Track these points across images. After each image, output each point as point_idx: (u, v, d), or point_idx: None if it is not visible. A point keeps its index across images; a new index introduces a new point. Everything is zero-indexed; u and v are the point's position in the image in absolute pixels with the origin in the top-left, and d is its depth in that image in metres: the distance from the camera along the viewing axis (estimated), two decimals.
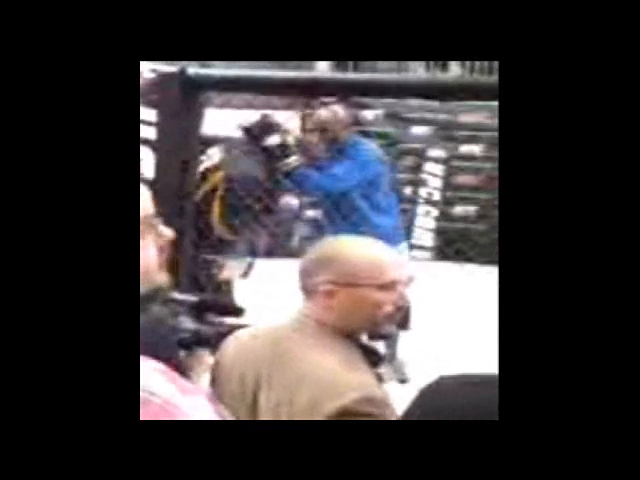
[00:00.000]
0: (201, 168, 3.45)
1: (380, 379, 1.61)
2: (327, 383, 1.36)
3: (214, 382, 1.57)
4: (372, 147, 4.34)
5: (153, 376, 1.11)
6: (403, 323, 1.77)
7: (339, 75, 5.83)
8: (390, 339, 1.79)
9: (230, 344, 1.56)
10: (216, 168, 3.46)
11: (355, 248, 1.53)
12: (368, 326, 1.56)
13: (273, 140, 3.63)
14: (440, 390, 1.18)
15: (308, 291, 1.53)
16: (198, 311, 1.79)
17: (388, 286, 1.50)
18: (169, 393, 1.07)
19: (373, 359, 1.56)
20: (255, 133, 3.61)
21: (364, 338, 1.60)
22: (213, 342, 1.55)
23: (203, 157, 3.52)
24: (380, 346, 1.74)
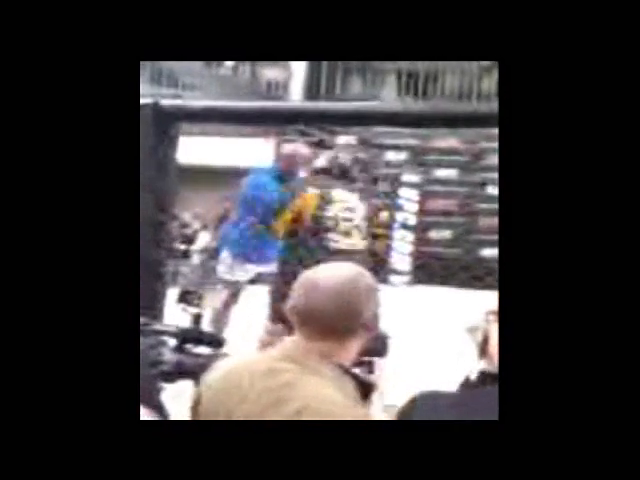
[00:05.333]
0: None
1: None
2: (335, 416, 1.34)
3: (196, 412, 1.54)
4: None
5: None
6: (381, 350, 1.75)
7: (310, 104, 5.87)
8: (369, 366, 1.78)
9: (213, 375, 1.53)
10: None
11: (364, 273, 1.50)
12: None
13: None
14: (419, 407, 1.18)
15: (343, 330, 1.40)
16: (179, 342, 1.78)
17: None
18: None
19: (366, 390, 1.53)
20: None
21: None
22: (195, 373, 1.53)
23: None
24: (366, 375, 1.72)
